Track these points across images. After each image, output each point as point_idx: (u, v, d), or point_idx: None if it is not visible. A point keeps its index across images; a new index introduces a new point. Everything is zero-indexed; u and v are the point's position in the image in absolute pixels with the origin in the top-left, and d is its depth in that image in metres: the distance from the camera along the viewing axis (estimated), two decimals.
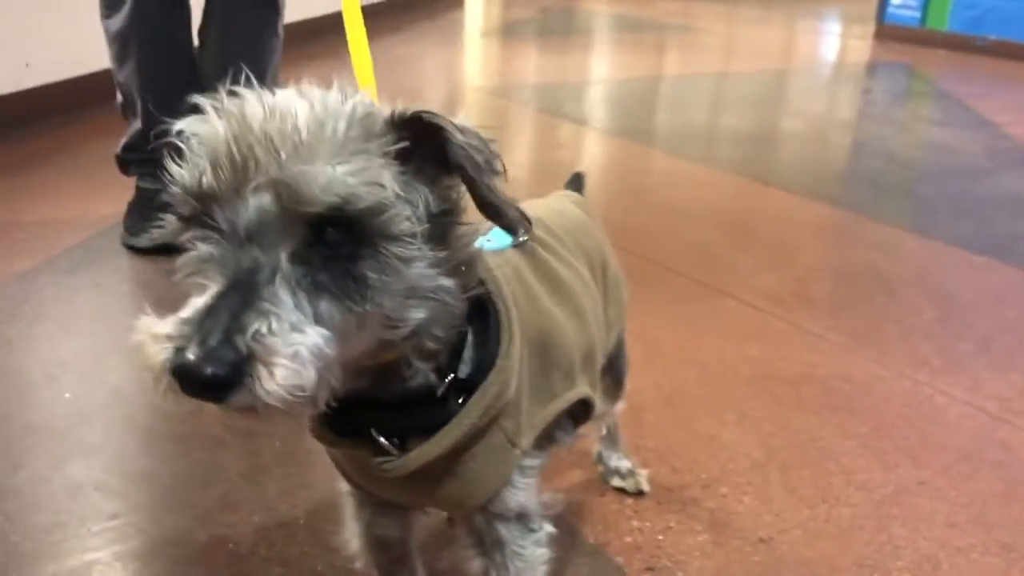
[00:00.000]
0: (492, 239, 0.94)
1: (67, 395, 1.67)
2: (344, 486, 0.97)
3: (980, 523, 1.44)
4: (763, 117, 4.46)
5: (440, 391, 0.79)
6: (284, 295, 0.62)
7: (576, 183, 1.32)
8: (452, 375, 0.79)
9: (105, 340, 1.88)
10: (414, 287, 0.70)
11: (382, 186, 0.66)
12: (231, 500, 1.41)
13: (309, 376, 0.61)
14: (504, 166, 0.74)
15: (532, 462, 0.89)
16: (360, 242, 0.65)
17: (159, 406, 1.64)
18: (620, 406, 1.45)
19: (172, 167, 0.66)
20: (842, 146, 3.98)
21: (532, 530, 0.92)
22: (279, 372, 0.60)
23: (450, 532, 1.22)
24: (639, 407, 1.73)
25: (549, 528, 0.95)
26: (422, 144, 0.70)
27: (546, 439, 0.94)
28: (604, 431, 1.48)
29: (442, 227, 0.73)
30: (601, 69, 5.75)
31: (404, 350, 0.75)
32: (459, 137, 0.69)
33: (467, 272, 0.78)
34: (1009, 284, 2.42)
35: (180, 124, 0.67)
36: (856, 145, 4.01)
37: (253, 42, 2.21)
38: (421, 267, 0.70)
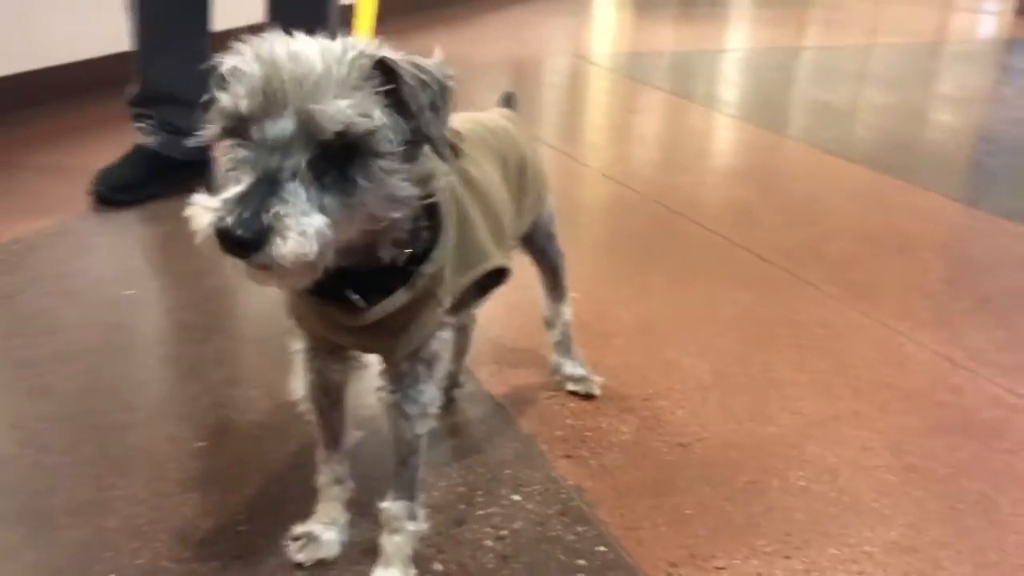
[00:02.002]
0: None
1: (128, 292, 2.00)
2: (297, 344, 1.21)
3: (894, 449, 1.55)
4: (853, 89, 4.44)
5: (401, 262, 1.02)
6: (299, 190, 0.84)
7: (507, 100, 1.53)
8: (409, 252, 1.02)
9: (168, 261, 2.21)
10: (393, 194, 0.92)
11: (370, 116, 0.86)
12: (236, 378, 1.69)
13: (312, 248, 0.83)
14: (451, 99, 0.93)
15: (448, 319, 1.13)
16: (355, 157, 0.87)
17: (199, 305, 1.95)
18: (567, 312, 1.64)
19: (219, 93, 0.87)
20: (924, 119, 3.93)
21: (433, 375, 1.15)
22: (290, 242, 0.82)
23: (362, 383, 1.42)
24: (612, 332, 1.91)
25: (440, 383, 1.17)
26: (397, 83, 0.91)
27: (458, 304, 1.17)
28: (556, 337, 1.67)
29: (415, 149, 0.94)
30: (695, 40, 5.78)
31: (381, 237, 0.98)
32: (408, 78, 0.89)
33: (427, 181, 1.00)
34: None
35: (226, 62, 0.88)
36: (941, 118, 3.95)
37: (310, 6, 2.45)
38: (399, 179, 0.92)
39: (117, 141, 2.66)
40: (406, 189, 0.93)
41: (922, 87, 4.57)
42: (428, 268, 1.03)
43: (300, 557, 1.25)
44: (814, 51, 5.47)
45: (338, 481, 1.27)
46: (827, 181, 2.99)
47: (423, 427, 1.16)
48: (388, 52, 0.90)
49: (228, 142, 0.88)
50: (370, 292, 1.02)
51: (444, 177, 1.11)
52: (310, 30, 0.92)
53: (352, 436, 1.28)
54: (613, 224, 2.59)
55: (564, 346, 1.68)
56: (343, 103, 0.84)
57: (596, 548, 1.30)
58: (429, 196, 1.01)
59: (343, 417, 1.25)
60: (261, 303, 1.92)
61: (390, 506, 1.19)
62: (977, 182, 3.06)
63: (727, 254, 2.34)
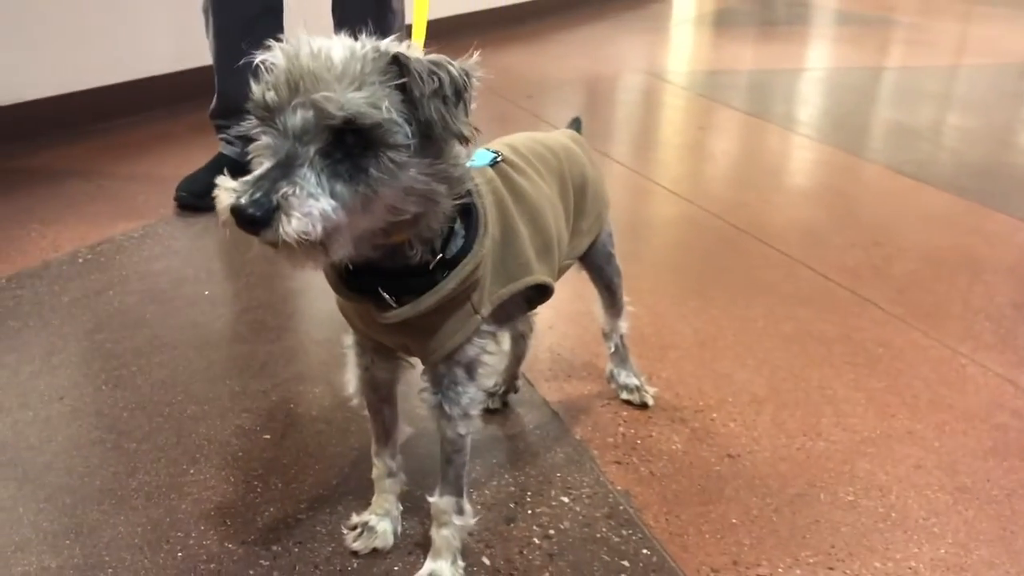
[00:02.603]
0: (475, 159, 1.23)
1: (206, 292, 2.11)
2: (348, 339, 1.28)
3: (948, 469, 1.55)
4: (934, 111, 4.36)
5: (432, 266, 1.08)
6: (310, 174, 0.91)
7: (575, 124, 1.57)
8: (441, 255, 1.08)
9: (246, 263, 2.31)
10: (410, 187, 0.97)
11: (379, 108, 0.92)
12: (304, 376, 1.77)
13: (315, 228, 0.89)
14: (468, 92, 0.97)
15: (488, 328, 1.17)
16: (367, 146, 0.93)
17: (273, 306, 2.04)
18: (623, 325, 1.68)
19: (253, 85, 0.96)
20: (1006, 143, 3.84)
21: (473, 378, 1.19)
22: (294, 221, 0.88)
23: (416, 382, 1.47)
24: (670, 345, 1.94)
25: (483, 385, 1.22)
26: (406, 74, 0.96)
27: (504, 315, 1.22)
28: (612, 348, 1.70)
29: (437, 145, 1.00)
30: (770, 59, 5.75)
31: (409, 235, 1.04)
32: (414, 68, 0.95)
33: (457, 182, 1.06)
34: None
35: (259, 56, 0.98)
36: (1014, 141, 3.87)
37: (368, 16, 2.53)
38: (414, 172, 0.97)
39: (203, 150, 2.79)
40: (426, 183, 0.97)
41: (1008, 110, 4.47)
42: (456, 274, 1.07)
43: (356, 545, 1.31)
44: (895, 71, 5.39)
45: (390, 474, 1.34)
46: (898, 203, 2.96)
47: (465, 427, 1.20)
48: (403, 49, 0.94)
49: (259, 129, 0.94)
50: (404, 293, 1.08)
51: (486, 187, 1.16)
52: None
53: (403, 432, 1.34)
54: (677, 240, 2.62)
55: (620, 357, 1.72)
56: (353, 94, 0.90)
57: (641, 551, 1.33)
58: (460, 197, 1.06)
59: (394, 413, 1.32)
60: (332, 305, 2.00)
61: (438, 501, 1.25)
62: None
63: (790, 272, 2.35)
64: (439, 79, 0.94)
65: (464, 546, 1.29)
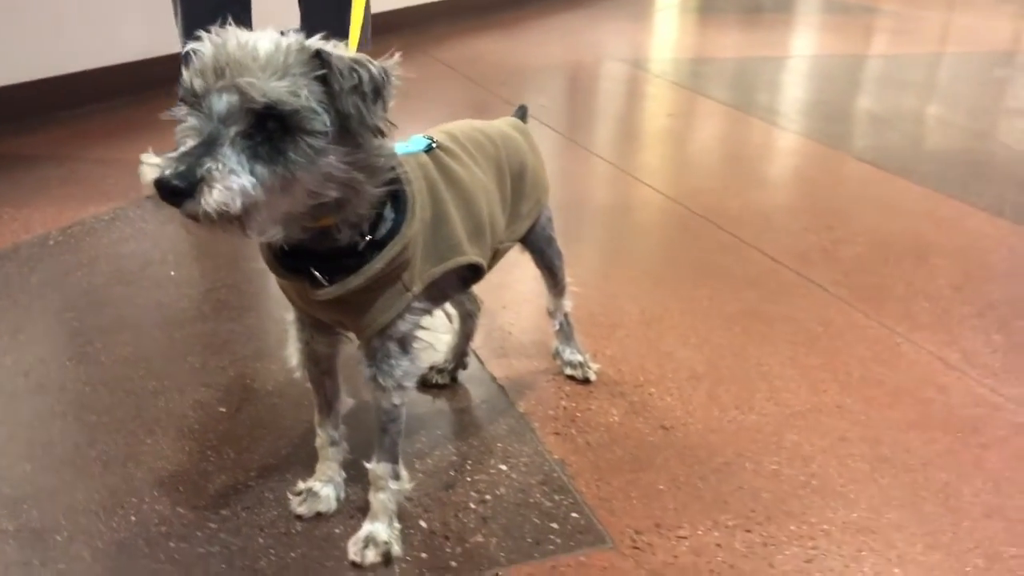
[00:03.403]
0: (409, 144, 1.30)
1: (172, 273, 2.18)
2: (290, 316, 1.35)
3: (871, 440, 1.63)
4: (906, 99, 4.43)
5: (361, 247, 1.15)
6: (231, 153, 0.97)
7: (520, 111, 1.64)
8: (370, 237, 1.15)
9: (212, 245, 2.38)
10: (328, 173, 1.04)
11: (299, 96, 1.00)
12: (262, 352, 1.85)
13: (235, 202, 0.96)
14: (386, 90, 1.04)
15: (419, 305, 1.24)
16: (287, 131, 1.00)
17: (237, 286, 2.11)
18: (567, 304, 1.75)
19: (184, 72, 1.03)
20: (968, 130, 3.92)
21: (407, 352, 1.26)
22: (215, 193, 0.95)
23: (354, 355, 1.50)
24: (617, 324, 2.01)
25: (418, 360, 1.29)
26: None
27: (439, 293, 1.29)
28: (557, 326, 1.78)
29: (356, 136, 1.06)
30: (721, 48, 5.81)
31: (335, 219, 1.11)
32: (335, 64, 1.02)
33: (380, 171, 1.13)
34: None
35: (191, 45, 1.05)
36: (979, 129, 3.94)
37: (332, 5, 2.59)
38: (332, 159, 1.03)
39: (173, 135, 2.85)
40: (345, 171, 1.04)
41: (979, 98, 4.54)
42: (384, 255, 1.15)
43: (300, 510, 1.39)
44: (875, 60, 5.46)
45: (333, 443, 1.41)
46: (856, 189, 3.04)
47: (399, 398, 1.27)
48: (326, 46, 1.02)
49: (185, 113, 1.01)
50: (336, 272, 1.15)
51: (417, 173, 1.23)
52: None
53: (346, 404, 1.42)
54: (635, 224, 2.69)
55: (565, 334, 1.79)
56: (276, 83, 0.97)
57: (570, 515, 1.41)
58: (387, 184, 1.13)
59: (335, 385, 1.39)
60: None
61: (375, 467, 1.32)
62: (1007, 193, 3.07)
63: (740, 255, 2.42)
64: (359, 76, 1.01)
65: (403, 510, 1.37)
